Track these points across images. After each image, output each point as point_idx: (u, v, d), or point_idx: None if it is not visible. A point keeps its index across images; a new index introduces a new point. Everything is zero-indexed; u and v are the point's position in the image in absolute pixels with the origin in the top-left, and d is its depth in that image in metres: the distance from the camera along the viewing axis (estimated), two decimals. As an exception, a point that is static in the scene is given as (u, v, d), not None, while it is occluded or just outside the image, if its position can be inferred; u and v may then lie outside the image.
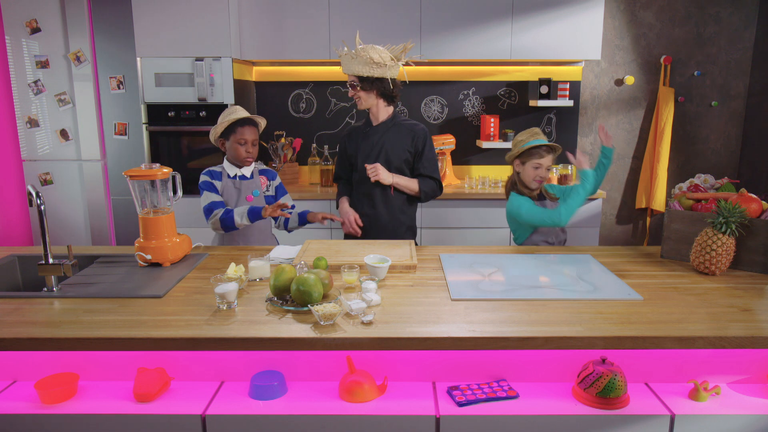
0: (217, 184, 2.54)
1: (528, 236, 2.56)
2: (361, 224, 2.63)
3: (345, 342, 1.49)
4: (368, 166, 2.54)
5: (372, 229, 2.66)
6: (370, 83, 2.52)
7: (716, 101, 4.17)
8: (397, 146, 2.62)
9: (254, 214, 2.43)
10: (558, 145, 2.52)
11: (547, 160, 2.49)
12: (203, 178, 2.53)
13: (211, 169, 2.57)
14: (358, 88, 2.54)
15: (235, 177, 2.55)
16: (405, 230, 2.72)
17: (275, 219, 2.70)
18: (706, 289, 1.85)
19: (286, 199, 2.66)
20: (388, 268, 1.98)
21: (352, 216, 2.62)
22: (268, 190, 2.65)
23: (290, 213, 2.50)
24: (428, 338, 1.48)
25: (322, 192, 3.81)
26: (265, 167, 2.71)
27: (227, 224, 2.44)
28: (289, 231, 2.69)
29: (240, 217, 2.43)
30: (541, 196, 2.58)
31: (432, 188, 2.68)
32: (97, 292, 1.80)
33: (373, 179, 2.54)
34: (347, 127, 4.18)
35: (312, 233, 3.74)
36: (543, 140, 2.48)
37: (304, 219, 2.60)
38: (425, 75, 4.14)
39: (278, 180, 2.70)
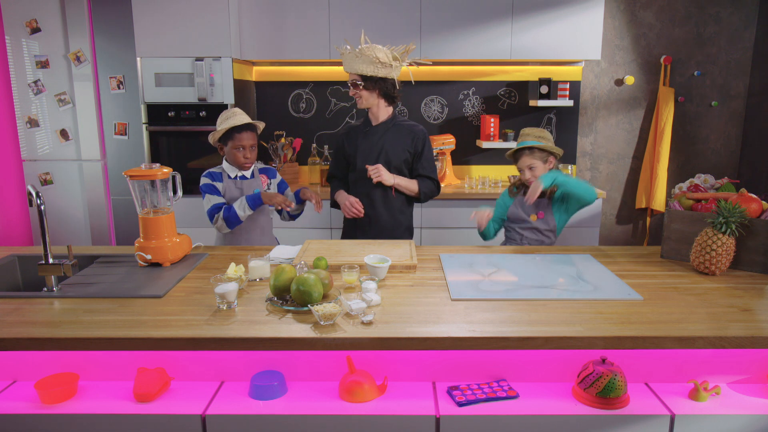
0: (219, 185, 2.54)
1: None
2: (361, 206, 2.60)
3: (345, 342, 1.49)
4: (370, 168, 2.53)
5: (371, 230, 2.66)
6: (374, 83, 2.52)
7: (716, 101, 4.17)
8: (397, 147, 2.62)
9: (254, 201, 2.46)
10: (536, 145, 2.47)
11: (523, 162, 2.51)
12: (204, 180, 2.54)
13: (211, 170, 2.58)
14: (361, 87, 2.53)
15: (236, 178, 2.55)
16: (404, 230, 2.72)
17: (279, 212, 2.71)
18: (706, 289, 1.84)
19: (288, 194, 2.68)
20: (388, 268, 1.97)
21: (352, 199, 2.59)
22: (269, 189, 2.65)
23: (290, 208, 2.51)
24: (428, 338, 1.48)
25: (322, 192, 3.80)
26: (264, 166, 2.71)
27: (232, 221, 2.47)
28: (293, 217, 2.69)
29: (242, 209, 2.45)
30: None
31: (431, 189, 2.69)
32: (97, 292, 1.80)
33: (375, 180, 2.54)
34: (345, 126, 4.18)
35: (312, 233, 3.75)
36: (524, 143, 2.49)
37: (299, 198, 2.60)
38: (425, 75, 4.14)
39: (279, 177, 2.71)
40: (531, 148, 2.48)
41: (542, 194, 2.50)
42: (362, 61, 2.49)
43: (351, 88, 2.57)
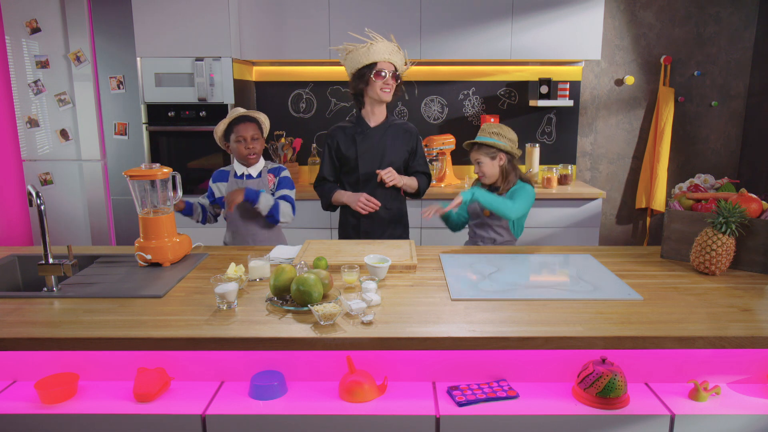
0: (221, 185, 2.58)
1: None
2: (376, 200, 2.56)
3: (345, 342, 1.49)
4: (382, 171, 2.50)
5: (375, 230, 2.65)
6: (399, 80, 2.57)
7: (716, 101, 4.17)
8: (397, 146, 2.62)
9: (187, 210, 2.52)
10: (479, 141, 2.48)
11: (472, 155, 2.52)
12: (211, 180, 2.62)
13: (221, 168, 2.63)
14: (399, 80, 2.55)
15: (241, 176, 2.56)
16: (403, 228, 2.74)
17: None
18: (706, 289, 1.84)
19: (290, 193, 2.58)
20: (388, 268, 1.97)
21: (362, 196, 2.55)
22: (274, 187, 2.63)
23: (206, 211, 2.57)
24: (428, 338, 1.48)
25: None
26: (274, 165, 2.66)
27: (188, 215, 2.56)
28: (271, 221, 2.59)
29: (197, 215, 2.58)
30: (492, 188, 2.55)
31: (426, 184, 2.72)
32: (97, 292, 1.80)
33: (390, 183, 2.51)
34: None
35: (312, 233, 3.75)
36: (479, 138, 2.50)
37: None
38: (425, 75, 4.14)
39: (284, 173, 2.62)
40: (480, 144, 2.49)
41: (494, 189, 2.54)
42: (400, 57, 2.55)
43: (388, 77, 2.49)
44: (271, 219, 2.50)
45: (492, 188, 2.55)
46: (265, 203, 2.43)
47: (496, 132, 2.47)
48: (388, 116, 2.65)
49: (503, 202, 2.37)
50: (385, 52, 2.49)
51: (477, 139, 2.49)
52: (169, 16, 3.55)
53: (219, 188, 2.59)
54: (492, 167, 2.50)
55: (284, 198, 2.53)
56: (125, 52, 3.85)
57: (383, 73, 2.48)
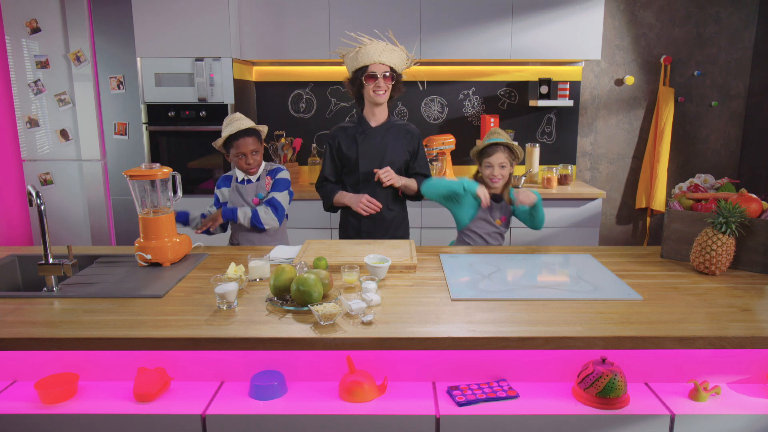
0: (225, 190, 2.59)
1: (465, 225, 2.58)
2: (377, 202, 2.56)
3: (345, 342, 1.49)
4: (380, 171, 2.51)
5: (376, 231, 2.65)
6: (398, 79, 2.55)
7: (716, 101, 4.17)
8: (398, 147, 2.62)
9: (180, 217, 2.48)
10: (512, 143, 2.49)
11: (497, 157, 2.48)
12: (216, 186, 2.64)
13: (225, 174, 2.64)
14: (392, 80, 2.53)
15: (242, 181, 2.56)
16: (405, 230, 2.73)
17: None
18: (706, 289, 1.84)
19: (279, 196, 2.54)
20: (388, 268, 1.97)
21: (364, 197, 2.55)
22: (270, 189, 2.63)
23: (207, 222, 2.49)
24: (428, 338, 1.48)
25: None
26: (274, 166, 2.63)
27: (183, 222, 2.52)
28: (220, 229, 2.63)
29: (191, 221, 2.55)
30: (497, 198, 2.55)
31: None
32: (97, 292, 1.80)
33: (387, 183, 2.51)
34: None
35: (312, 233, 3.74)
36: (497, 139, 2.48)
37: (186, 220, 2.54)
38: (425, 75, 4.14)
39: (280, 174, 2.59)
40: (508, 147, 2.48)
41: (498, 199, 2.54)
42: (398, 55, 2.53)
43: (380, 79, 2.48)
44: (258, 227, 2.51)
45: (496, 194, 2.55)
46: (243, 218, 2.47)
47: (511, 140, 2.53)
48: (389, 116, 2.65)
49: (544, 216, 2.50)
50: (374, 53, 2.47)
51: (510, 144, 2.48)
52: (169, 16, 3.55)
53: (223, 194, 2.60)
54: (509, 172, 2.54)
55: (270, 202, 2.50)
56: (125, 52, 3.85)
57: (374, 75, 2.48)
